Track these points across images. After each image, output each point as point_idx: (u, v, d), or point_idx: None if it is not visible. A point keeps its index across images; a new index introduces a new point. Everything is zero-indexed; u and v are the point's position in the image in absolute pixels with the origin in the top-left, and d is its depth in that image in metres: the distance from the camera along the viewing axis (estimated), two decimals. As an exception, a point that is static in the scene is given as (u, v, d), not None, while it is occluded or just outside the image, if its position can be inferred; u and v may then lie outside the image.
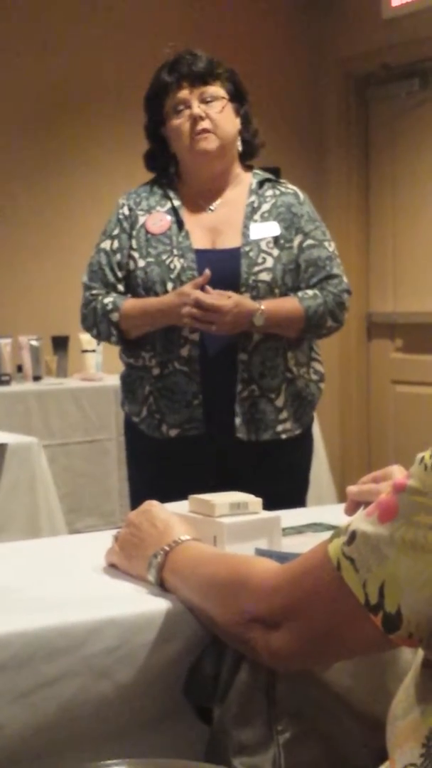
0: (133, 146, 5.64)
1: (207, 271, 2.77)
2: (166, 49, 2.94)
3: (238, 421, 2.84)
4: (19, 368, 5.17)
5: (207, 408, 2.84)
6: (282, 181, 3.03)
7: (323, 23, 6.29)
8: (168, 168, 2.98)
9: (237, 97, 2.94)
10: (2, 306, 5.50)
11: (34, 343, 5.13)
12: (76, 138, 5.69)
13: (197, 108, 2.85)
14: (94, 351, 5.27)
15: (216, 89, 2.89)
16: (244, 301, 2.78)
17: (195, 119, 2.85)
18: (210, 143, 2.86)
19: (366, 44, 6.03)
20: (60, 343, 5.37)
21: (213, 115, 2.86)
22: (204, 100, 2.87)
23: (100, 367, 5.29)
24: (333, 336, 3.07)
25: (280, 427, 2.88)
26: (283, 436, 2.90)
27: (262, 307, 2.78)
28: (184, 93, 2.87)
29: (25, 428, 4.48)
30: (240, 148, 2.96)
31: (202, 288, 2.76)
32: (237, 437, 2.85)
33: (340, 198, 6.21)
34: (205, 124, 2.85)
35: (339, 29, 6.21)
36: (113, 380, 5.03)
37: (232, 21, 5.93)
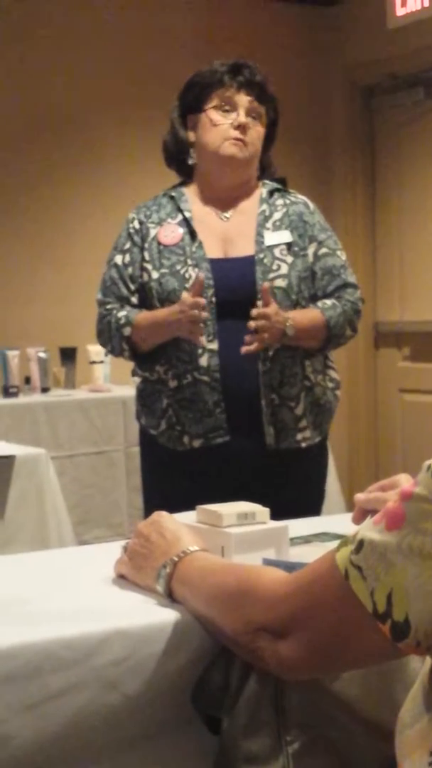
0: (139, 159, 5.68)
1: (201, 274, 2.76)
2: (216, 62, 2.95)
3: (267, 429, 2.84)
4: (27, 380, 5.17)
5: (228, 416, 2.83)
6: (291, 191, 3.04)
7: (329, 33, 6.30)
8: (187, 159, 2.97)
9: (272, 125, 2.98)
10: (10, 318, 5.51)
11: (42, 354, 5.13)
12: (83, 150, 5.71)
13: (244, 117, 2.87)
14: (102, 362, 5.27)
15: (262, 111, 2.92)
16: (279, 310, 2.77)
17: (239, 127, 2.86)
18: (241, 152, 2.88)
19: (372, 54, 6.04)
20: (68, 355, 5.37)
21: (252, 132, 2.89)
22: (250, 114, 2.89)
23: (108, 378, 5.30)
24: (341, 345, 3.08)
25: (299, 436, 2.89)
26: (303, 445, 2.90)
27: (290, 316, 2.78)
28: (239, 97, 2.89)
29: (34, 440, 4.49)
30: (257, 171, 3.00)
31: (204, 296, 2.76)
32: (259, 445, 2.85)
33: (346, 206, 6.22)
34: (244, 136, 2.87)
35: (345, 39, 6.22)
36: (121, 391, 5.04)
37: (238, 31, 5.94)
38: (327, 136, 6.39)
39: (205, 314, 2.74)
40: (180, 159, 2.99)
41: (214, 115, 2.89)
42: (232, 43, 5.71)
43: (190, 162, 2.97)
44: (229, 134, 2.87)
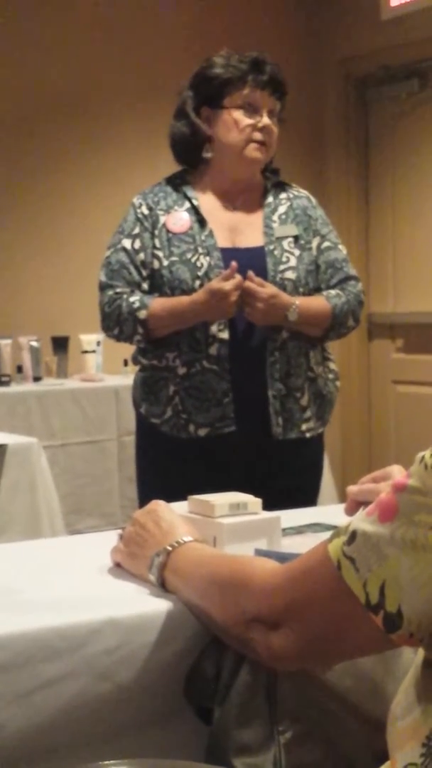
0: (133, 149, 5.67)
1: (233, 263, 2.78)
2: (222, 53, 2.93)
3: (274, 419, 2.86)
4: (19, 369, 5.17)
5: (236, 406, 2.85)
6: (292, 185, 3.07)
7: (322, 24, 6.29)
8: (201, 153, 2.95)
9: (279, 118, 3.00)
10: (2, 307, 5.50)
11: (34, 343, 5.13)
12: (77, 139, 5.69)
13: (267, 119, 2.89)
14: (94, 351, 5.27)
15: (279, 108, 2.95)
16: (282, 294, 2.81)
17: (263, 130, 2.88)
18: (262, 154, 2.91)
19: (365, 45, 6.03)
20: (60, 344, 5.37)
21: (272, 133, 2.92)
22: (271, 115, 2.91)
23: (100, 367, 5.29)
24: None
25: (304, 426, 2.92)
26: (308, 435, 2.94)
27: (297, 302, 2.82)
28: (263, 99, 2.90)
29: (26, 429, 4.48)
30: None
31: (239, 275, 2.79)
32: (265, 435, 2.87)
33: (339, 198, 6.21)
34: (267, 138, 2.90)
35: (338, 30, 6.21)
36: (113, 381, 5.04)
37: (230, 21, 5.93)
38: (321, 127, 6.38)
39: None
40: (194, 151, 2.97)
41: (238, 115, 2.89)
42: (225, 33, 5.70)
43: (207, 156, 2.95)
44: (253, 137, 2.88)
